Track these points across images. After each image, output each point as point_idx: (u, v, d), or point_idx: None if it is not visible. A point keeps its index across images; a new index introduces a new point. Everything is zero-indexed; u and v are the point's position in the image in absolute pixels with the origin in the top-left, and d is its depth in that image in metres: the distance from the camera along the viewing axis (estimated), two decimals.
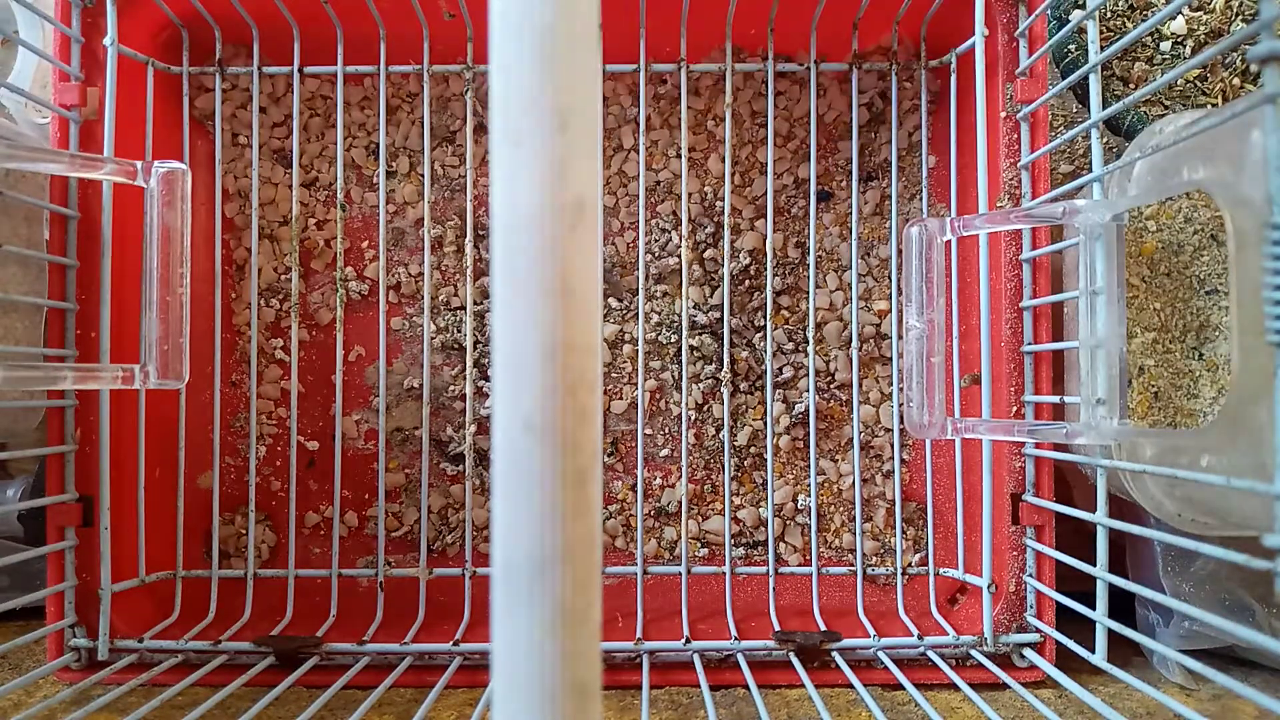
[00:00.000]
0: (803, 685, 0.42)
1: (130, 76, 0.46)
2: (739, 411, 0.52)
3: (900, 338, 0.50)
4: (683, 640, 0.45)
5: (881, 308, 0.52)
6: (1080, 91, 0.45)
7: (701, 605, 0.49)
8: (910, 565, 0.50)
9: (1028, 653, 0.43)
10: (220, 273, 0.50)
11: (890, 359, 0.51)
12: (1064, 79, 0.42)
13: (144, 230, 0.41)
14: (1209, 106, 0.46)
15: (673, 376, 0.52)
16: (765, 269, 0.50)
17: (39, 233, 0.45)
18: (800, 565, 0.50)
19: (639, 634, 0.45)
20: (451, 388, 0.52)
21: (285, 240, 0.52)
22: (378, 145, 0.51)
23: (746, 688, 0.42)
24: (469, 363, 0.49)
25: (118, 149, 0.44)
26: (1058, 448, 0.43)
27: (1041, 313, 0.44)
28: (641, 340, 0.49)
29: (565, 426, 0.21)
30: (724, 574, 0.49)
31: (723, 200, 0.50)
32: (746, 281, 0.52)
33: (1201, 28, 0.46)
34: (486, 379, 0.51)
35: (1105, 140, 0.41)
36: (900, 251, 0.51)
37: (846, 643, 0.44)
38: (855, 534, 0.49)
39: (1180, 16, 0.46)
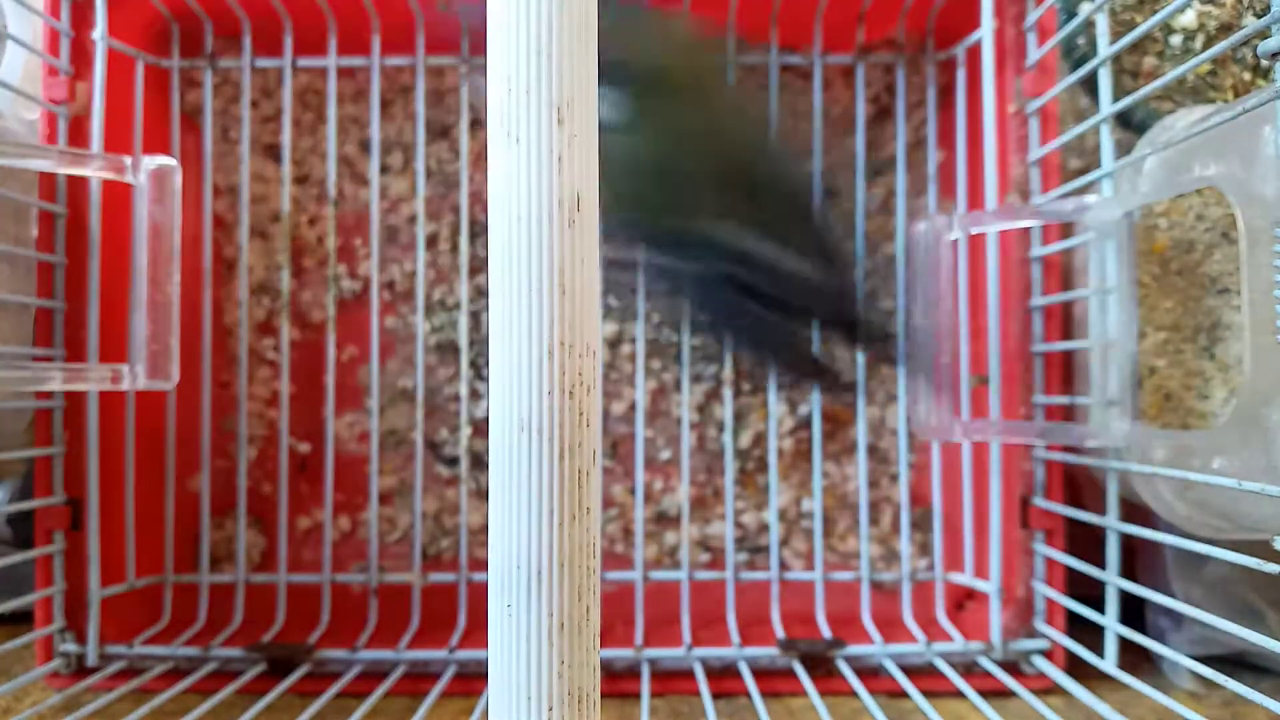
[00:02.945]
0: (806, 693, 0.41)
1: (120, 71, 0.45)
2: (742, 413, 0.51)
3: (907, 338, 0.50)
4: (684, 647, 0.44)
5: (888, 307, 0.51)
6: (1090, 85, 0.45)
7: (703, 611, 0.48)
8: (917, 570, 0.49)
9: (1037, 659, 0.43)
10: (210, 271, 0.49)
11: (897, 359, 0.51)
12: (1073, 73, 0.41)
13: (133, 227, 0.40)
14: (1219, 102, 0.45)
15: (674, 377, 0.51)
16: None
17: (27, 230, 0.44)
18: (804, 571, 0.49)
19: (639, 641, 0.45)
20: (446, 389, 0.51)
21: (276, 237, 0.51)
22: (371, 140, 0.50)
23: (749, 696, 0.41)
24: (464, 363, 0.49)
25: (107, 144, 0.44)
26: (1068, 450, 0.43)
27: (1052, 312, 0.43)
28: (641, 340, 0.49)
29: (563, 428, 0.20)
30: (726, 580, 0.48)
31: None
32: None
33: (1212, 21, 0.46)
34: (482, 380, 0.50)
35: (1115, 136, 0.40)
36: (907, 249, 0.50)
37: (851, 650, 0.44)
38: (861, 539, 0.49)
39: (1191, 10, 0.45)
